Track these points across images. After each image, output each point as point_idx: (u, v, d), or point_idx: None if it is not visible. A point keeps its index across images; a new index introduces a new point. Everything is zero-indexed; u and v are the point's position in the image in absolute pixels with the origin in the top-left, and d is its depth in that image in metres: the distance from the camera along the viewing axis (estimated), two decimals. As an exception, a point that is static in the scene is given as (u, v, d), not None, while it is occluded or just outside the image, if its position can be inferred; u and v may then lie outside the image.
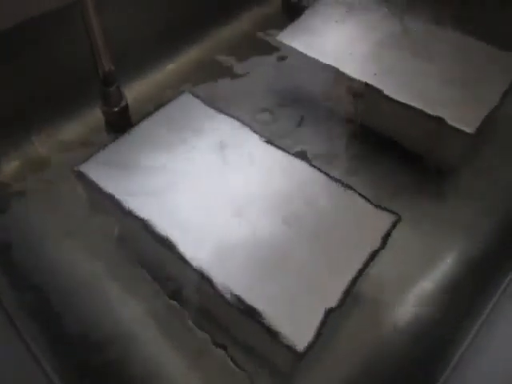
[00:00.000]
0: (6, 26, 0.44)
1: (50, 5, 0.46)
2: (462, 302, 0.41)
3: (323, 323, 0.31)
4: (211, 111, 0.43)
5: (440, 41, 0.50)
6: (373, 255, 0.34)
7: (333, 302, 0.32)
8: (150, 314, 0.39)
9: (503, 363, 0.33)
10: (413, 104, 0.44)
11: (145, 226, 0.35)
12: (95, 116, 0.46)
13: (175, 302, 0.39)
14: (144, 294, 0.40)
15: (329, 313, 0.31)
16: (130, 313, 0.39)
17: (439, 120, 0.43)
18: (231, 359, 0.36)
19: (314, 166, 0.39)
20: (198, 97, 0.44)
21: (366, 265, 0.34)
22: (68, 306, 0.39)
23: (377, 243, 0.35)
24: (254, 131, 0.41)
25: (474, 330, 0.38)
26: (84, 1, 0.38)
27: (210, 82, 0.56)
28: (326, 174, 0.39)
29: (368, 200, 0.37)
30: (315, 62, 0.48)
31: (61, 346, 0.38)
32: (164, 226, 0.35)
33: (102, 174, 0.38)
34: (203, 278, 0.33)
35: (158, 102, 0.43)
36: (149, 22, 0.56)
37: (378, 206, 0.37)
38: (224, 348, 0.37)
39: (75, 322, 0.39)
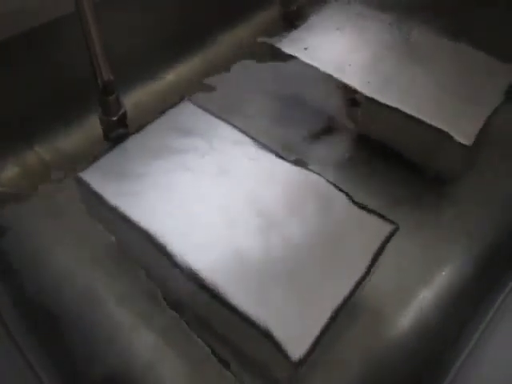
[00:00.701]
0: (7, 35, 0.44)
1: (50, 15, 0.46)
2: (462, 311, 0.41)
3: (321, 332, 0.31)
4: (211, 118, 0.43)
5: (439, 50, 0.50)
6: (372, 264, 0.34)
7: (331, 311, 0.32)
8: (149, 324, 0.39)
9: (504, 372, 0.33)
10: (411, 114, 0.44)
11: (146, 236, 0.35)
12: (95, 124, 0.46)
13: (175, 311, 0.39)
14: (144, 302, 0.40)
15: (327, 322, 0.31)
16: (129, 322, 0.39)
17: (437, 130, 0.43)
18: (231, 369, 0.36)
19: (311, 173, 0.39)
20: (197, 104, 0.44)
21: (366, 273, 0.34)
22: (67, 316, 0.39)
23: (375, 252, 0.35)
24: (254, 139, 0.42)
25: (474, 339, 0.37)
26: (83, 10, 0.38)
27: (209, 90, 0.56)
28: (324, 183, 0.39)
29: (366, 208, 0.37)
30: (315, 71, 0.48)
31: (60, 357, 0.38)
32: (165, 237, 0.35)
33: (102, 181, 0.38)
34: (204, 288, 0.33)
35: (157, 110, 0.43)
36: (149, 30, 0.56)
37: (375, 214, 0.37)
38: (224, 358, 0.37)
39: (74, 332, 0.38)
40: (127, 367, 0.37)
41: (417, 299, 0.41)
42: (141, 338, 0.38)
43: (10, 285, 0.41)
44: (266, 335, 0.31)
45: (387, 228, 0.36)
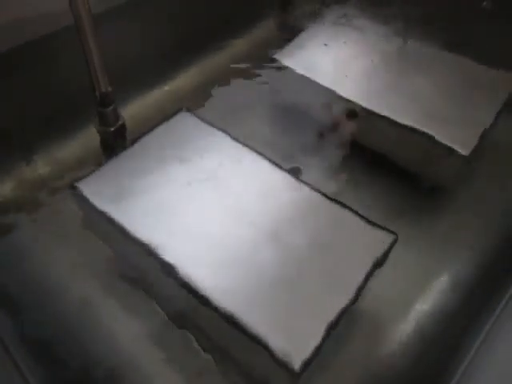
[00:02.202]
0: (6, 47, 0.45)
1: (48, 28, 0.46)
2: (461, 319, 0.40)
3: (321, 342, 0.30)
4: (208, 129, 0.43)
5: (437, 62, 0.51)
6: (370, 274, 0.34)
7: (330, 320, 0.31)
8: (149, 336, 0.38)
9: (505, 381, 0.33)
10: (408, 124, 0.44)
11: (142, 247, 0.35)
12: (93, 135, 0.47)
13: (174, 323, 0.39)
14: (143, 314, 0.39)
15: (326, 331, 0.31)
16: (129, 334, 0.39)
17: (434, 140, 0.43)
18: (231, 381, 0.36)
19: (310, 185, 0.39)
20: (194, 115, 0.44)
21: (364, 283, 0.34)
22: (65, 329, 0.39)
23: (375, 262, 0.34)
24: (251, 149, 0.42)
25: (474, 347, 0.37)
26: (82, 23, 0.38)
27: (207, 102, 0.56)
28: (323, 193, 0.39)
29: (365, 219, 0.37)
30: (311, 83, 0.49)
31: (56, 370, 0.37)
32: (161, 247, 0.35)
33: (99, 192, 0.38)
34: (200, 297, 0.33)
35: (155, 122, 0.44)
36: (147, 41, 0.57)
37: (375, 225, 0.37)
38: (223, 370, 0.36)
39: (72, 345, 0.38)
40: (126, 381, 0.36)
41: (416, 309, 0.41)
42: (140, 350, 0.38)
43: (6, 298, 0.41)
44: (266, 346, 0.30)
45: (387, 239, 0.36)
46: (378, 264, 0.35)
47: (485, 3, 0.63)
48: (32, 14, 0.46)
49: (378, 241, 0.36)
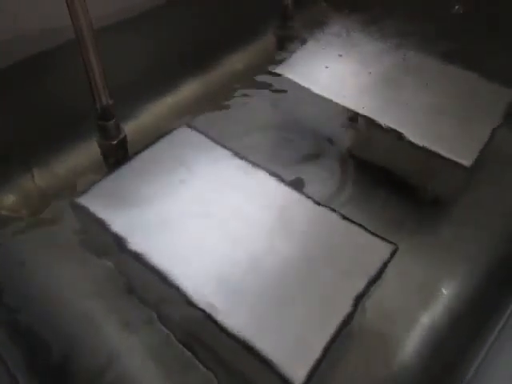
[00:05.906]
0: (6, 63, 0.45)
1: (50, 43, 0.47)
2: (463, 332, 0.40)
3: (322, 354, 0.30)
4: (209, 143, 0.43)
5: (436, 74, 0.51)
6: (370, 285, 0.34)
7: (331, 333, 0.31)
8: (150, 351, 0.38)
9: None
10: (409, 136, 0.45)
11: (143, 261, 0.35)
12: (94, 149, 0.47)
13: (173, 336, 0.38)
14: (142, 328, 0.39)
15: (327, 344, 0.31)
16: (127, 348, 0.38)
17: (436, 153, 0.43)
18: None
19: (312, 198, 0.39)
20: (195, 128, 0.44)
21: (363, 295, 0.33)
22: (62, 341, 0.39)
23: (374, 273, 0.34)
24: (253, 163, 0.42)
25: (477, 361, 0.37)
26: (83, 37, 0.39)
27: (208, 116, 0.56)
28: (323, 205, 0.39)
29: (366, 229, 0.37)
30: (312, 94, 0.49)
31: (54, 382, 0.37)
32: (163, 261, 0.35)
33: (100, 206, 0.38)
34: (202, 313, 0.32)
35: (156, 135, 0.44)
36: (148, 55, 0.57)
37: (375, 236, 0.37)
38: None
39: (72, 361, 0.38)
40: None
41: (416, 322, 0.40)
42: (142, 365, 0.37)
43: (6, 313, 0.40)
44: (266, 360, 0.30)
45: (387, 249, 0.36)
46: (378, 275, 0.34)
47: (457, 7, 0.64)
48: (33, 28, 0.46)
49: (378, 251, 0.36)
